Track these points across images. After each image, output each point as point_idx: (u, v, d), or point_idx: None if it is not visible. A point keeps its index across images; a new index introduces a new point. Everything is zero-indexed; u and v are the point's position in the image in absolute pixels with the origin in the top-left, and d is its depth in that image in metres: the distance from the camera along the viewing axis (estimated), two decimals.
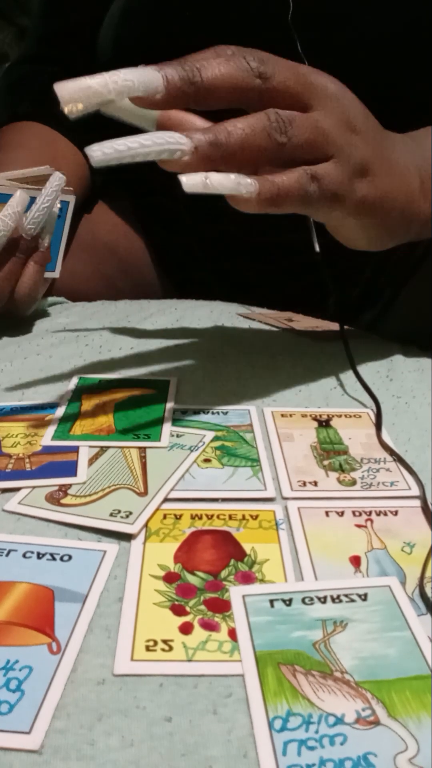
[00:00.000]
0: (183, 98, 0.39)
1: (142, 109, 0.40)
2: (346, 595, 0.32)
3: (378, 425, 0.47)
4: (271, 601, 0.32)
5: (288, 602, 0.32)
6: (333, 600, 0.32)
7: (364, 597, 0.32)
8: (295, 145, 0.41)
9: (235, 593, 0.32)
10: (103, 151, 0.36)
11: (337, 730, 0.26)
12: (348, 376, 0.54)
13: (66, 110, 0.37)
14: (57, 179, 0.59)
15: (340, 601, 0.32)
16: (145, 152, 0.37)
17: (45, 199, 0.58)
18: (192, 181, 0.38)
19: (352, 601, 0.32)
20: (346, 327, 0.59)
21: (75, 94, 0.37)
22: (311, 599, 0.32)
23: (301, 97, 0.42)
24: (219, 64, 0.39)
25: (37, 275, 0.60)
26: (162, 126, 0.43)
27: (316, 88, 0.42)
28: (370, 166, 0.45)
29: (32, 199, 0.58)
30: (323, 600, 0.32)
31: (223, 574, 0.34)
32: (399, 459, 0.43)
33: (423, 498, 0.40)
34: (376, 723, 0.26)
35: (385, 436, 0.46)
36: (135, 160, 0.37)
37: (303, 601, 0.32)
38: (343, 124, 0.43)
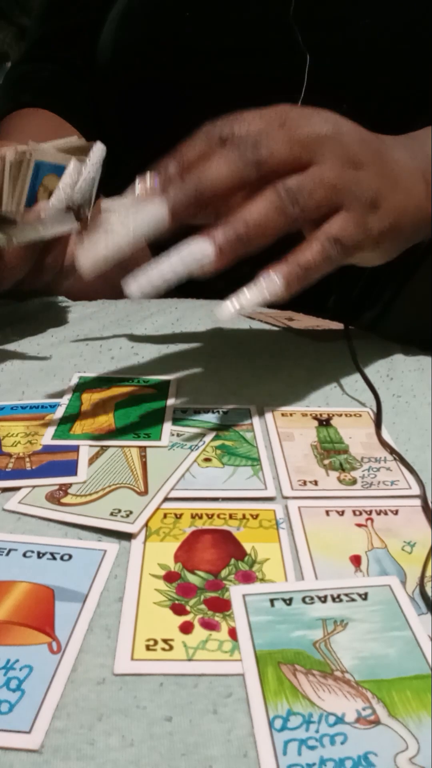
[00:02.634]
0: (187, 214, 0.40)
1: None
2: (346, 595, 0.32)
3: (378, 422, 0.47)
4: (272, 601, 0.32)
5: (288, 602, 0.32)
6: (333, 599, 0.32)
7: (364, 596, 0.32)
8: (308, 211, 0.41)
9: (236, 593, 0.32)
10: (140, 287, 0.38)
11: (338, 730, 0.26)
12: (348, 376, 0.54)
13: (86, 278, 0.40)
14: (99, 149, 0.58)
15: (341, 600, 0.32)
16: (177, 276, 0.38)
17: (91, 169, 0.58)
18: (227, 314, 0.39)
19: (353, 600, 0.32)
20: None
21: (95, 265, 0.39)
22: (311, 598, 0.32)
23: (300, 160, 0.42)
24: (217, 167, 0.40)
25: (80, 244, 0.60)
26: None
27: (310, 143, 0.42)
28: (379, 196, 0.45)
29: None
30: (323, 599, 0.32)
31: (224, 573, 0.34)
32: (399, 457, 0.43)
33: (423, 497, 0.40)
34: (377, 722, 0.26)
35: (386, 435, 0.46)
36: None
37: (303, 600, 0.32)
38: (346, 164, 0.43)
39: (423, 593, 0.33)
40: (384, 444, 0.45)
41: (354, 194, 0.43)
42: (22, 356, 0.56)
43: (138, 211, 0.39)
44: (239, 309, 0.39)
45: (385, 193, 0.45)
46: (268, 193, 0.40)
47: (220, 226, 0.39)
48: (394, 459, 0.43)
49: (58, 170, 0.56)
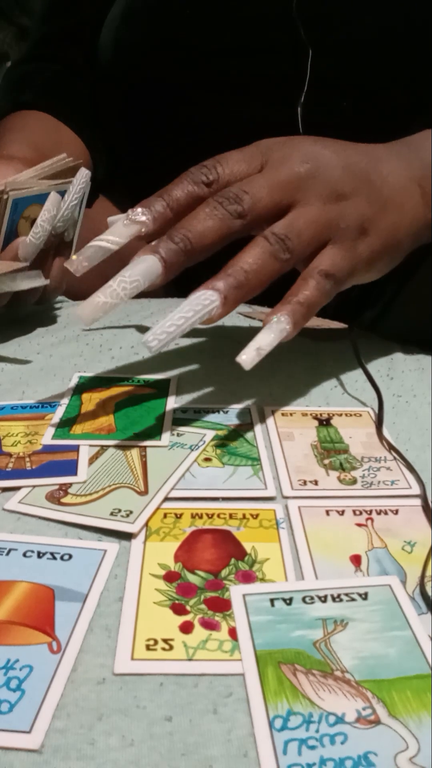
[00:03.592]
0: (179, 267, 0.42)
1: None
2: (346, 594, 0.32)
3: (379, 419, 0.47)
4: (272, 601, 0.32)
5: (288, 601, 0.32)
6: (333, 599, 0.32)
7: (364, 596, 0.32)
8: (299, 252, 0.43)
9: (236, 592, 0.32)
10: (158, 339, 0.39)
11: (338, 730, 0.26)
12: (348, 376, 0.54)
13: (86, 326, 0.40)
14: (83, 176, 0.59)
15: (341, 600, 0.32)
16: (189, 324, 0.40)
17: (74, 197, 0.58)
18: (251, 361, 0.41)
19: (353, 600, 0.32)
20: (345, 326, 0.59)
21: (94, 312, 0.40)
22: (312, 598, 0.32)
23: (282, 203, 0.44)
24: (204, 221, 0.42)
25: (64, 268, 0.61)
26: None
27: (289, 186, 0.44)
28: (367, 221, 0.46)
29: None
30: (324, 599, 0.32)
31: (224, 573, 0.34)
32: (399, 455, 0.43)
33: (423, 497, 0.40)
34: (377, 722, 0.26)
35: (386, 435, 0.46)
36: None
37: (303, 600, 0.32)
38: (328, 199, 0.44)
39: (423, 593, 0.33)
40: (382, 439, 0.45)
41: (339, 227, 0.44)
42: (22, 356, 0.56)
43: (133, 266, 0.41)
44: (257, 355, 0.41)
45: (373, 216, 0.46)
46: (260, 241, 0.42)
47: (221, 276, 0.41)
48: (394, 458, 0.43)
49: (41, 198, 0.57)
